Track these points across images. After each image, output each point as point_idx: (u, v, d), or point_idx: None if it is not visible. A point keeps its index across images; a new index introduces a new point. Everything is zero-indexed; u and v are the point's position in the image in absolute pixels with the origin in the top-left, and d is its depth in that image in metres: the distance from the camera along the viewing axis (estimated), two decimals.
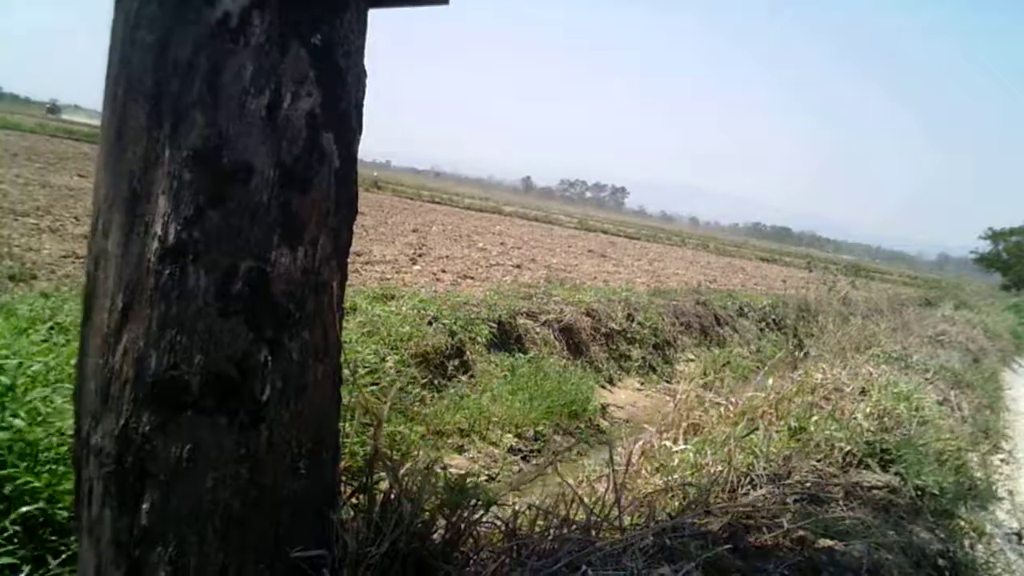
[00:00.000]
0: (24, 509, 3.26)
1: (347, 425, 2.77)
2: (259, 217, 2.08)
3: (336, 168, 2.24)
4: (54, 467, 3.56)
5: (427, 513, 2.66)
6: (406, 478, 2.71)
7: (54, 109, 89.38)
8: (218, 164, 2.03)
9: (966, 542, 4.11)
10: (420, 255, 17.47)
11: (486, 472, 6.67)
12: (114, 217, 2.11)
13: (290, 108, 2.09)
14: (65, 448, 3.65)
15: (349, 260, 2.45)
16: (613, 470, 3.21)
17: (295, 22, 2.08)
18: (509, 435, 7.65)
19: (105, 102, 2.17)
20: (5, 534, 3.17)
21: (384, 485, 2.71)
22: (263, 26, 2.03)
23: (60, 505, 3.38)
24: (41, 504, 3.33)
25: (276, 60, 2.06)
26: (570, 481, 3.80)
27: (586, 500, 3.17)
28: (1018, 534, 4.64)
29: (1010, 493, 5.34)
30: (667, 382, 11.88)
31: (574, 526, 2.90)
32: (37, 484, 3.37)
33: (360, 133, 2.33)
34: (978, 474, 5.19)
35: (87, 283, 2.24)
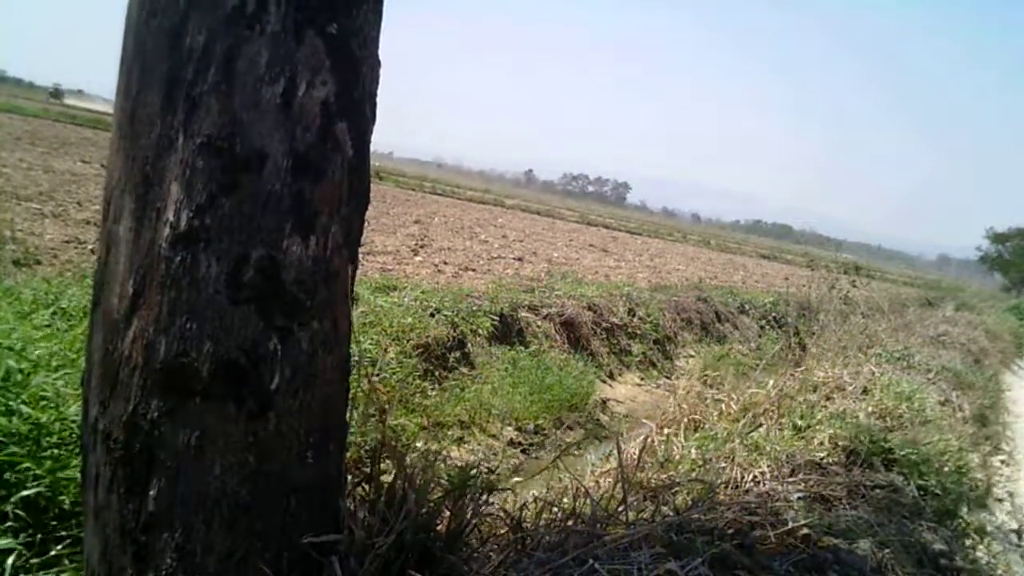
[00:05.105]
0: (25, 492, 3.25)
1: (351, 415, 2.77)
2: (271, 205, 2.08)
3: (349, 158, 2.23)
4: (56, 452, 3.55)
5: (432, 504, 2.67)
6: (411, 468, 2.71)
7: (57, 94, 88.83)
8: (231, 151, 2.03)
9: (967, 542, 4.12)
10: (422, 246, 17.45)
11: (486, 465, 6.66)
12: (126, 202, 2.11)
13: (305, 96, 2.09)
14: (68, 433, 3.65)
15: None
16: (621, 465, 3.21)
17: (311, 10, 2.07)
18: (509, 428, 7.66)
19: (119, 87, 2.16)
20: (6, 521, 3.17)
21: (388, 476, 2.71)
22: (279, 14, 2.03)
23: (62, 491, 3.38)
24: (42, 488, 3.33)
25: (291, 48, 2.05)
26: (573, 475, 3.80)
27: (591, 494, 3.17)
28: (1018, 532, 4.66)
29: (1010, 495, 5.35)
30: (667, 378, 11.89)
31: (580, 520, 2.90)
32: (39, 471, 3.37)
33: (374, 123, 2.33)
34: (979, 475, 5.20)
35: (98, 268, 2.24)
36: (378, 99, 2.36)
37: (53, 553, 3.12)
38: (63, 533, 3.26)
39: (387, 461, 2.76)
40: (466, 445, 7.04)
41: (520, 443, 7.52)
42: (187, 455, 2.11)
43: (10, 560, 2.98)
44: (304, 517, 2.31)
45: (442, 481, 2.80)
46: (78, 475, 3.31)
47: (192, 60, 2.01)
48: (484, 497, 2.80)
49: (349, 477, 2.70)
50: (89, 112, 57.77)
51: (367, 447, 3.14)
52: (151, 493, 2.12)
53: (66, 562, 3.10)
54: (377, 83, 2.32)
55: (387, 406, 2.71)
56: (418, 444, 3.92)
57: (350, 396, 2.55)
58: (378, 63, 2.31)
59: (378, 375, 6.61)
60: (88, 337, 2.29)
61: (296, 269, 2.15)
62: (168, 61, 2.03)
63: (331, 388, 2.36)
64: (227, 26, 2.00)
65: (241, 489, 2.16)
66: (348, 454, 2.68)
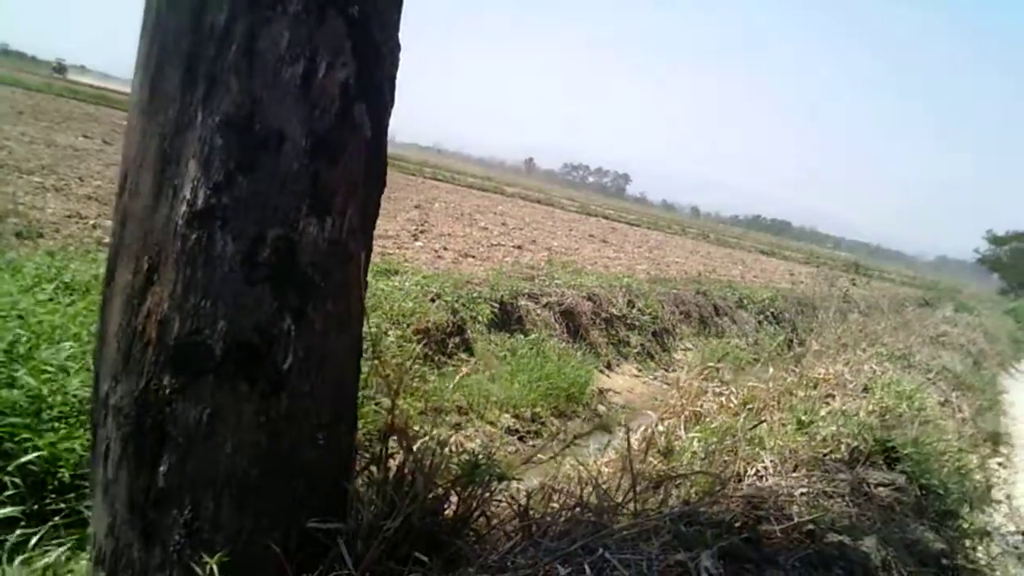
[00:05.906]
0: (24, 459, 3.26)
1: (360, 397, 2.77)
2: (288, 185, 2.07)
3: (367, 140, 2.23)
4: (57, 424, 3.56)
5: (440, 488, 2.67)
6: (420, 453, 2.71)
7: (60, 68, 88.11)
8: (250, 131, 2.02)
9: (967, 543, 4.14)
10: (422, 231, 17.39)
11: (483, 451, 6.65)
12: (142, 179, 2.10)
13: (325, 78, 2.08)
14: (69, 407, 3.65)
15: None
16: (630, 455, 3.21)
17: None
18: (507, 415, 7.64)
19: (138, 64, 2.15)
20: (6, 491, 3.18)
21: (396, 459, 2.71)
22: None
23: (62, 464, 3.38)
24: (42, 457, 3.33)
25: (313, 29, 2.04)
26: (576, 465, 3.80)
27: (598, 484, 3.17)
28: (1019, 533, 4.67)
29: (1008, 497, 5.37)
30: (664, 370, 11.89)
31: (587, 509, 2.90)
32: (39, 443, 3.37)
33: (392, 106, 2.32)
34: (978, 476, 5.22)
35: (112, 243, 2.23)
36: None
37: (51, 524, 3.12)
38: (62, 506, 3.27)
39: (394, 443, 2.75)
40: (464, 431, 7.02)
41: (517, 430, 7.51)
42: (198, 433, 2.11)
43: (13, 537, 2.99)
44: (313, 498, 2.31)
45: (451, 466, 2.80)
46: (78, 448, 3.32)
47: (213, 38, 2.00)
48: (494, 485, 2.80)
49: (357, 458, 2.70)
50: (92, 88, 57.53)
51: (373, 429, 3.14)
52: (161, 469, 2.12)
53: (62, 533, 3.10)
54: (397, 66, 2.31)
55: (397, 388, 2.70)
56: (429, 428, 3.91)
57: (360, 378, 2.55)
58: (398, 46, 2.30)
59: (377, 359, 6.59)
60: (100, 311, 2.28)
61: (312, 250, 2.15)
62: (189, 38, 2.02)
63: (343, 370, 2.37)
64: (249, 5, 1.99)
65: (252, 468, 2.16)
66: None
